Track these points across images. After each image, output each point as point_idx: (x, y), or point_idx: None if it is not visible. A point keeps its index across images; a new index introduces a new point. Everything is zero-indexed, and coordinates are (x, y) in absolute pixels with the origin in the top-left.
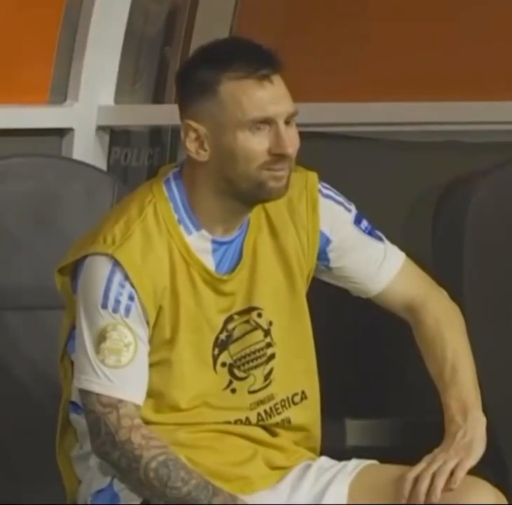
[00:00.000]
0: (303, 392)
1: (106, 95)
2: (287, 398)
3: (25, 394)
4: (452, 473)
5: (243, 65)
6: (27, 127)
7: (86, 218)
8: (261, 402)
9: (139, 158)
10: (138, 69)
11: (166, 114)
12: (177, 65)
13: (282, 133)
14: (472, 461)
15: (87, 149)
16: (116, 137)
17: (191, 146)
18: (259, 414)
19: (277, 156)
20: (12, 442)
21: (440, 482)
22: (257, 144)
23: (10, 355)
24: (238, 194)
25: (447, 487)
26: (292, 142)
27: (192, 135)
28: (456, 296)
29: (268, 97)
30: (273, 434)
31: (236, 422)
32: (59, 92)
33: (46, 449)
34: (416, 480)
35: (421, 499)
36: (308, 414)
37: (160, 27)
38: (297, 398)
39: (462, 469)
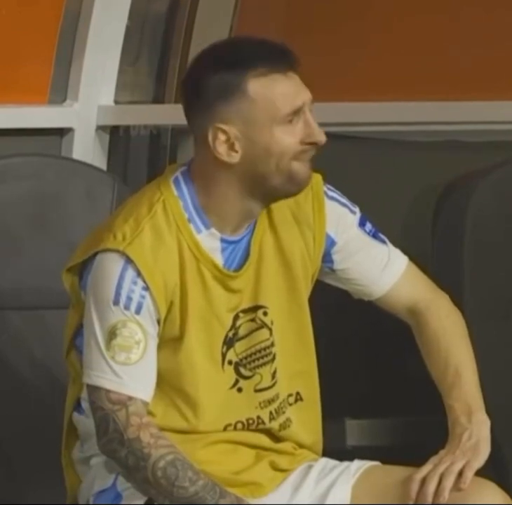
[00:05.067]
0: (297, 393)
1: (106, 94)
2: (284, 399)
3: (26, 394)
4: (460, 474)
5: (266, 61)
6: (27, 127)
7: (86, 218)
8: (272, 400)
9: (139, 158)
10: (138, 68)
11: (166, 114)
12: (177, 65)
13: (311, 122)
14: (479, 462)
15: (87, 148)
16: (115, 137)
17: (221, 148)
18: (271, 412)
19: (308, 145)
20: (13, 442)
21: (448, 483)
22: (291, 136)
23: (10, 355)
24: (265, 192)
25: (456, 488)
26: (319, 129)
27: (222, 137)
28: (455, 296)
29: (294, 88)
30: (277, 439)
31: (248, 421)
32: (59, 92)
33: (47, 450)
34: (424, 481)
35: (429, 499)
36: (304, 415)
37: (160, 27)
38: (291, 399)
39: (471, 470)
